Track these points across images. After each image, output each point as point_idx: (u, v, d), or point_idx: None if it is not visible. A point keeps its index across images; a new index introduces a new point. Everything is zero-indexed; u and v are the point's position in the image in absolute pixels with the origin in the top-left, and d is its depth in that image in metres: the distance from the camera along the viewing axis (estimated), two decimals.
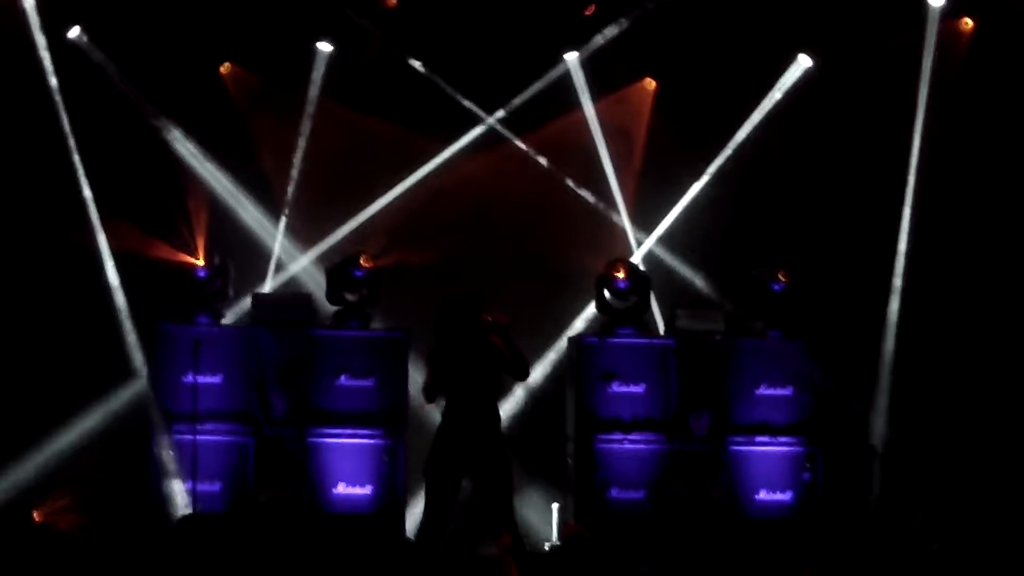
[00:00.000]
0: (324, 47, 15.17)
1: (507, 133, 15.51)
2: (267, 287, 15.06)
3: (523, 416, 14.78)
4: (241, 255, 14.87)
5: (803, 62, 15.23)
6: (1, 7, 14.50)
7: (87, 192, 14.81)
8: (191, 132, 15.09)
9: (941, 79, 15.01)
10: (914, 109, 15.05)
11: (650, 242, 15.46)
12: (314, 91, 15.23)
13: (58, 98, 14.74)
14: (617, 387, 14.10)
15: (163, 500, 13.73)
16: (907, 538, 12.21)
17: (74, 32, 14.82)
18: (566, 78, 15.48)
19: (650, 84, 15.61)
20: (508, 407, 14.44)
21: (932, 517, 12.53)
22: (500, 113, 15.47)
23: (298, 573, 12.24)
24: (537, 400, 14.95)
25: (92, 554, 10.97)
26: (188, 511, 13.40)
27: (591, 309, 14.86)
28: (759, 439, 14.06)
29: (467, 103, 15.39)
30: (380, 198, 15.35)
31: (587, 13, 15.33)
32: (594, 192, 15.49)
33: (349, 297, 14.27)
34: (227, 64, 15.23)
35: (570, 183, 15.45)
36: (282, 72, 15.24)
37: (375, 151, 15.25)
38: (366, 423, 13.89)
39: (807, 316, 14.42)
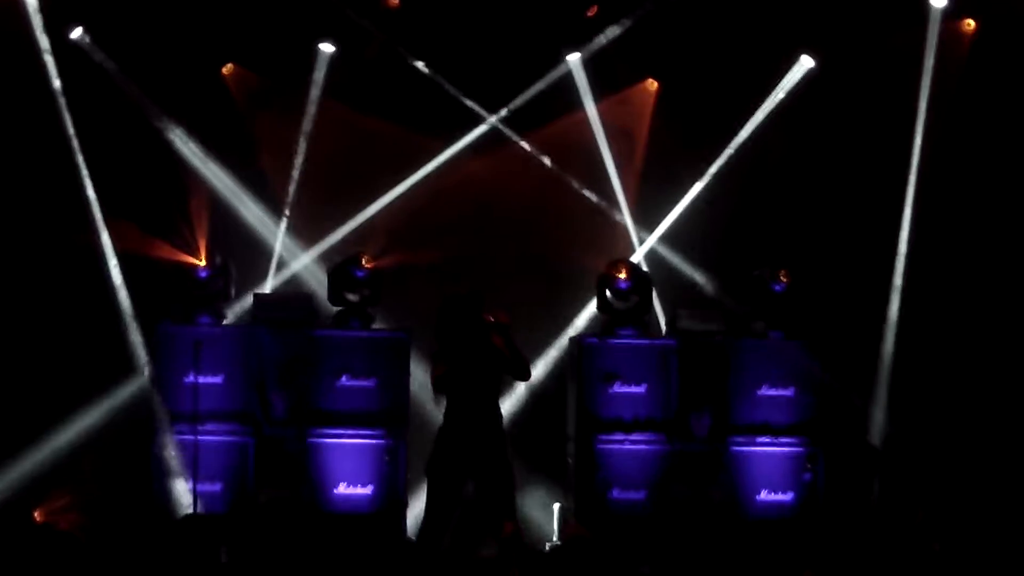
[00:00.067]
0: (325, 48, 15.17)
1: (509, 133, 15.51)
2: (268, 285, 15.06)
3: (524, 415, 14.77)
4: (243, 254, 14.88)
5: (805, 63, 15.22)
6: (4, 8, 14.51)
7: (90, 192, 14.81)
8: (193, 132, 15.10)
9: (942, 80, 15.00)
10: (915, 109, 15.04)
11: (652, 240, 15.46)
12: (315, 91, 15.23)
13: (61, 99, 14.75)
14: (618, 387, 14.10)
15: (165, 499, 13.72)
16: (908, 538, 12.21)
17: (76, 33, 14.83)
18: (568, 78, 15.47)
19: (652, 85, 15.61)
20: (509, 406, 14.42)
21: (933, 517, 12.53)
22: (502, 113, 15.47)
23: (298, 573, 12.24)
24: (538, 399, 14.93)
25: (92, 554, 10.99)
26: (189, 511, 13.39)
27: (592, 308, 14.85)
28: (760, 440, 14.06)
29: (469, 103, 15.40)
30: (381, 198, 15.35)
31: (589, 14, 15.32)
32: (596, 192, 15.49)
33: (350, 297, 14.27)
34: (229, 65, 15.24)
35: (572, 183, 15.44)
36: (283, 72, 15.25)
37: (376, 151, 15.25)
38: (367, 423, 13.88)
39: (808, 316, 14.42)
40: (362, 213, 15.31)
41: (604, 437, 14.01)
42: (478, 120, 15.47)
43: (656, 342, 14.31)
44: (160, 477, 13.79)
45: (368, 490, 13.83)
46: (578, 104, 15.49)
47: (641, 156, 15.58)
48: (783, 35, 15.13)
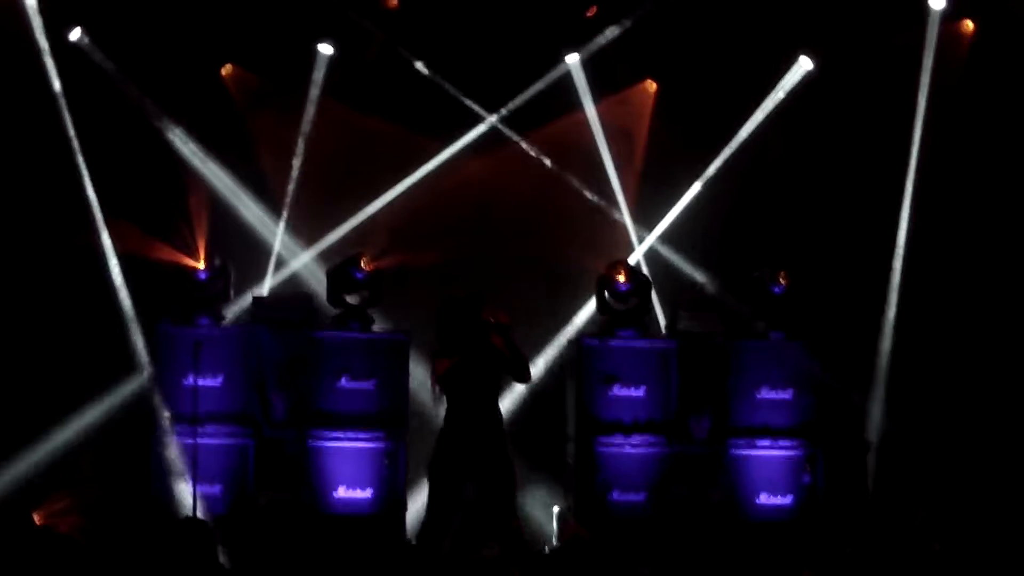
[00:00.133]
0: (325, 49, 15.16)
1: (509, 133, 15.51)
2: (267, 284, 15.06)
3: (524, 415, 14.76)
4: (243, 253, 14.88)
5: (804, 63, 15.22)
6: (4, 9, 14.50)
7: (91, 193, 14.81)
8: (193, 132, 15.10)
9: (941, 81, 15.00)
10: (914, 110, 15.04)
11: (651, 239, 15.46)
12: (315, 91, 15.23)
13: (61, 100, 14.74)
14: (618, 390, 14.10)
15: (165, 500, 13.71)
16: (908, 538, 12.21)
17: (75, 34, 14.82)
18: (567, 79, 15.47)
19: (651, 85, 15.61)
20: (509, 405, 14.40)
21: (933, 516, 12.54)
22: (502, 113, 15.46)
23: (298, 575, 12.25)
24: (538, 399, 14.92)
25: (92, 556, 10.98)
26: (189, 513, 13.40)
27: (592, 309, 14.85)
28: (760, 442, 14.06)
29: (469, 103, 15.39)
30: (381, 197, 15.35)
31: (589, 14, 15.32)
32: (596, 192, 15.49)
33: (350, 299, 14.26)
34: (228, 66, 15.24)
35: (572, 183, 15.44)
36: (283, 72, 15.24)
37: (376, 151, 15.25)
38: (367, 425, 13.87)
39: (808, 317, 14.42)
40: (362, 211, 15.32)
41: (604, 439, 14.02)
42: (478, 120, 15.47)
43: (656, 344, 14.30)
44: (160, 478, 13.77)
45: (368, 492, 13.82)
46: (577, 104, 15.49)
47: (640, 156, 15.58)
48: (782, 36, 15.13)
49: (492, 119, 15.49)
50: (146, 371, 14.36)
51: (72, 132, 14.75)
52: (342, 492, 13.80)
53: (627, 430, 14.04)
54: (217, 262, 14.33)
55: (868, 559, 11.81)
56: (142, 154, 14.96)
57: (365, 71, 15.34)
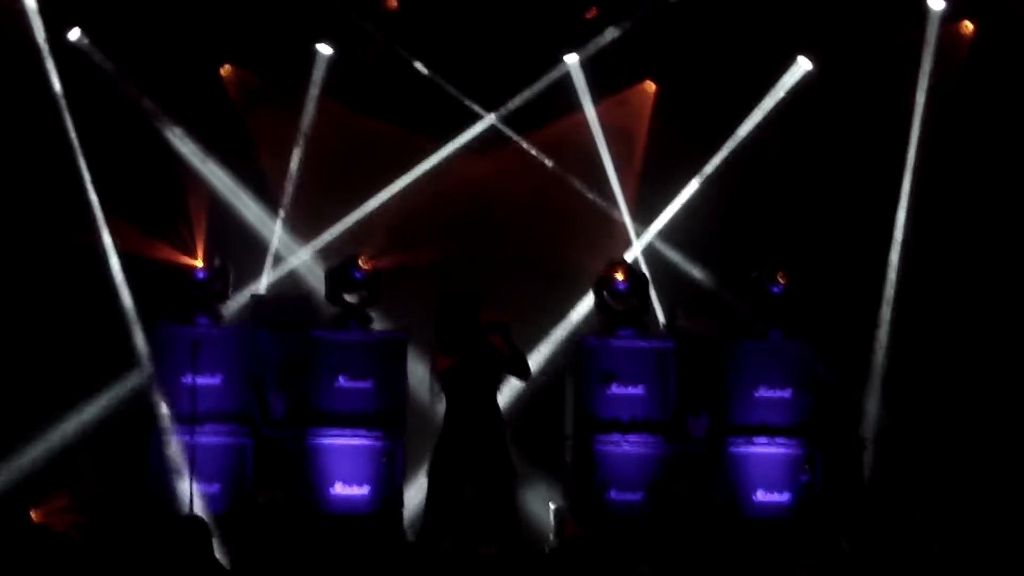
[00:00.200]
0: (324, 49, 15.18)
1: (509, 133, 15.52)
2: (264, 282, 15.07)
3: (523, 412, 14.76)
4: (242, 252, 14.90)
5: (803, 64, 15.23)
6: (4, 9, 14.53)
7: (91, 193, 14.83)
8: (192, 132, 15.12)
9: (941, 81, 15.01)
10: (913, 111, 15.04)
11: (649, 236, 15.46)
12: (314, 91, 15.25)
13: (61, 100, 14.77)
14: (616, 388, 14.10)
15: (163, 499, 13.72)
16: (907, 539, 12.21)
17: (75, 34, 14.84)
18: (567, 80, 15.49)
19: (651, 86, 15.62)
20: (508, 402, 14.40)
21: (932, 518, 12.53)
22: (501, 113, 15.48)
23: (297, 574, 12.25)
24: (536, 397, 14.92)
25: (90, 554, 10.99)
26: (188, 511, 13.40)
27: (591, 308, 14.85)
28: (757, 440, 14.05)
29: (468, 102, 15.41)
30: (379, 195, 15.36)
31: (588, 15, 15.33)
32: (595, 193, 15.49)
33: (348, 299, 14.27)
34: (227, 66, 15.26)
35: (572, 183, 15.45)
36: (282, 72, 15.26)
37: (375, 151, 15.26)
38: (365, 424, 13.88)
39: (806, 316, 14.42)
40: (360, 210, 15.32)
41: (602, 438, 14.02)
42: (478, 120, 15.48)
43: (654, 343, 14.31)
44: (158, 476, 13.78)
45: (366, 491, 13.83)
46: (577, 105, 15.51)
47: (640, 157, 15.59)
48: (781, 37, 15.13)
49: (492, 119, 15.50)
50: (145, 370, 14.36)
51: (72, 132, 14.78)
52: (340, 491, 13.81)
53: (625, 429, 14.04)
54: (216, 262, 14.35)
55: (867, 560, 11.82)
56: (142, 154, 14.99)
57: (365, 71, 15.35)
